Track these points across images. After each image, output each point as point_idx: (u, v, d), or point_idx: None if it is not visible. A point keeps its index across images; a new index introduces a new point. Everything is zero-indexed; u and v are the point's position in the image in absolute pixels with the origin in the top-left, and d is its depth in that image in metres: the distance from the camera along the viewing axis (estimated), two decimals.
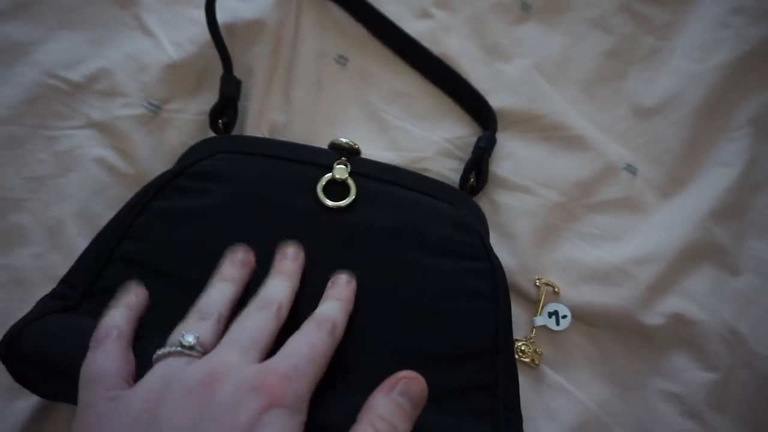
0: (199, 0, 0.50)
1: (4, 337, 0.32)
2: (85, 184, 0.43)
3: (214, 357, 0.28)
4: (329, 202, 0.39)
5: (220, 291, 0.33)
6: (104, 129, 0.45)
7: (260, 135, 0.47)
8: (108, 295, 0.34)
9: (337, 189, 0.40)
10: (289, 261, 0.36)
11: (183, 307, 0.33)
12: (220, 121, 0.46)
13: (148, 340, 0.32)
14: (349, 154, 0.42)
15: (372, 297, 0.36)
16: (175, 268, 0.36)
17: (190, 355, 0.29)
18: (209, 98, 0.47)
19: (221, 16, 0.49)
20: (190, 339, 0.29)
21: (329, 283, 0.36)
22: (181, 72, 0.47)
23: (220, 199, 0.38)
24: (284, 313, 0.32)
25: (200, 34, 0.48)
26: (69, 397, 0.31)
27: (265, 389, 0.26)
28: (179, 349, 0.29)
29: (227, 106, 0.46)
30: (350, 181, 0.40)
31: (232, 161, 0.40)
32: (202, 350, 0.29)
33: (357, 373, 0.34)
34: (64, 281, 0.36)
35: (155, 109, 0.46)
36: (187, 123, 0.46)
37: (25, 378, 0.33)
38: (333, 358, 0.31)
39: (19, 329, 0.32)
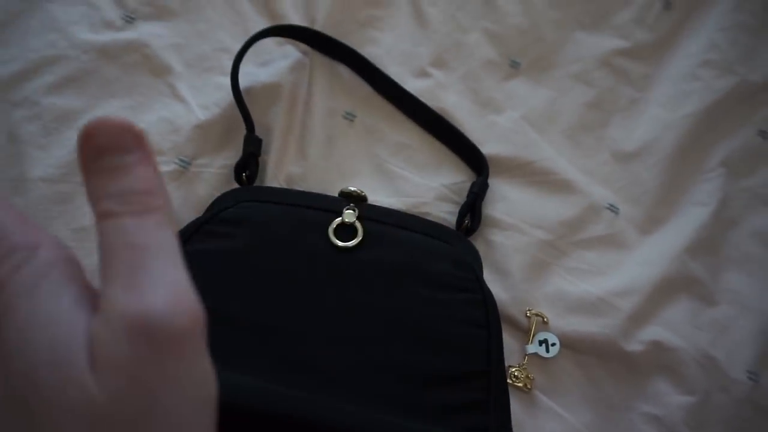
0: (225, 68, 0.57)
1: None
2: None
3: None
4: (339, 243, 0.45)
5: None
6: None
7: (278, 185, 0.53)
8: None
9: (346, 231, 0.46)
10: None
11: (214, 337, 0.38)
12: (243, 174, 0.52)
13: None
14: (357, 200, 0.48)
15: (378, 324, 0.42)
16: (205, 302, 0.41)
17: None
18: (232, 154, 0.54)
19: (243, 81, 0.55)
20: None
21: None
22: (207, 132, 0.54)
23: (244, 242, 0.44)
24: None
25: (225, 98, 0.55)
26: None
27: None
28: None
29: (250, 161, 0.52)
30: (358, 224, 0.46)
31: (254, 208, 0.46)
32: None
33: (366, 388, 0.39)
34: None
35: (185, 165, 0.52)
36: (213, 176, 0.53)
37: None
38: (345, 373, 0.36)
39: None
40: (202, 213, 0.48)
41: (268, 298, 0.42)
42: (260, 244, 0.44)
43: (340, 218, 0.46)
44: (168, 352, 0.17)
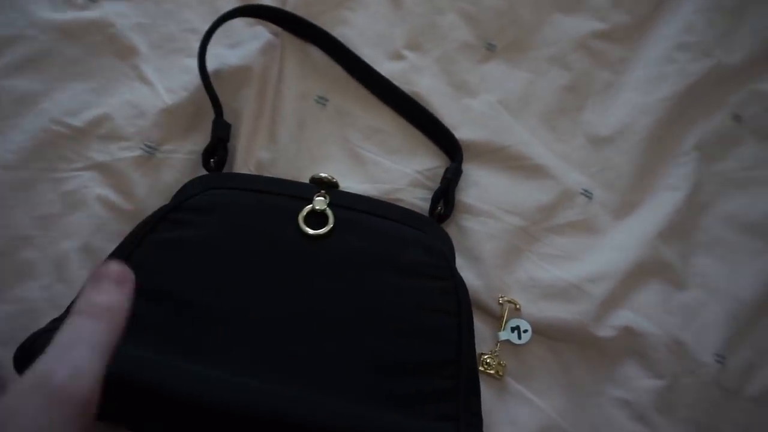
0: (192, 49, 0.56)
1: (20, 346, 0.36)
2: (88, 221, 0.48)
3: None
4: (310, 231, 0.44)
5: None
6: (105, 170, 0.50)
7: (248, 172, 0.52)
8: None
9: (317, 219, 0.45)
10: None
11: (175, 325, 0.38)
12: (211, 160, 0.50)
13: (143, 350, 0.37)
14: (328, 187, 0.47)
15: (347, 313, 0.42)
16: (169, 290, 0.41)
17: None
18: (200, 139, 0.52)
19: (211, 63, 0.54)
20: None
21: None
22: (174, 116, 0.52)
23: (212, 230, 0.43)
24: None
25: (192, 81, 0.53)
26: None
27: None
28: None
29: (218, 146, 0.51)
30: (329, 212, 0.45)
31: (222, 196, 0.45)
32: None
33: (335, 377, 0.39)
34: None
35: (152, 151, 0.51)
36: (180, 162, 0.51)
37: None
38: (315, 362, 0.35)
39: (32, 340, 0.37)
40: (169, 200, 0.47)
41: (235, 288, 0.42)
42: (227, 233, 0.43)
43: (311, 205, 0.45)
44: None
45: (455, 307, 0.43)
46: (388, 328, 0.41)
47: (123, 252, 0.42)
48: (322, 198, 0.46)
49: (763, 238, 0.55)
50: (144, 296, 0.40)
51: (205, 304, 0.40)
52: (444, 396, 0.40)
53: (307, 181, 0.47)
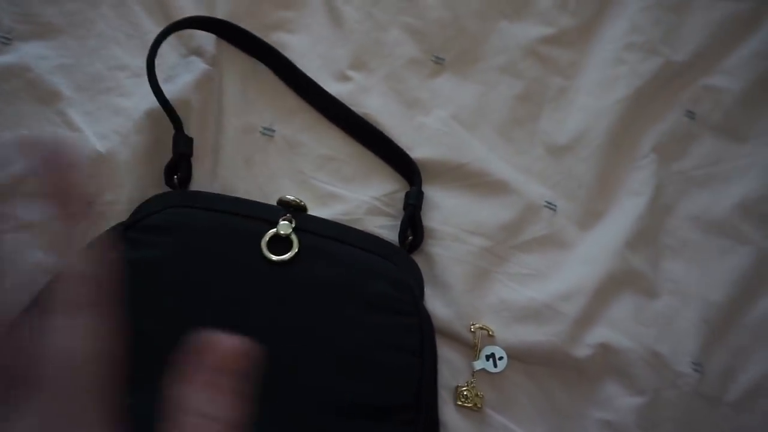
0: (123, 88, 0.52)
1: None
2: (21, 288, 0.44)
3: None
4: (272, 256, 0.42)
5: None
6: (37, 230, 0.45)
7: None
8: None
9: (281, 244, 0.42)
10: None
11: (129, 356, 0.35)
12: (175, 176, 0.47)
13: None
14: (296, 210, 0.44)
15: (307, 347, 0.39)
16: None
17: None
18: (141, 184, 0.48)
19: (145, 102, 0.50)
20: None
21: None
22: (109, 164, 0.48)
23: (168, 251, 0.41)
24: None
25: (124, 123, 0.50)
26: None
27: None
28: None
29: (180, 162, 0.48)
30: (293, 237, 0.43)
31: (182, 215, 0.43)
32: None
33: (282, 417, 0.37)
34: None
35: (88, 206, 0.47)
36: (122, 213, 0.47)
37: None
38: (261, 400, 0.33)
39: None
40: None
41: (187, 315, 0.39)
42: (185, 255, 0.41)
43: (275, 229, 0.43)
44: None
45: (418, 346, 0.41)
46: (345, 366, 0.39)
47: None
48: (287, 222, 0.43)
49: (728, 235, 0.54)
50: None
51: (152, 335, 0.38)
52: None
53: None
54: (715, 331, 0.50)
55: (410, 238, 0.50)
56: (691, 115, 0.59)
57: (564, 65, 0.60)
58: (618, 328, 0.49)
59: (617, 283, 0.50)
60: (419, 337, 0.41)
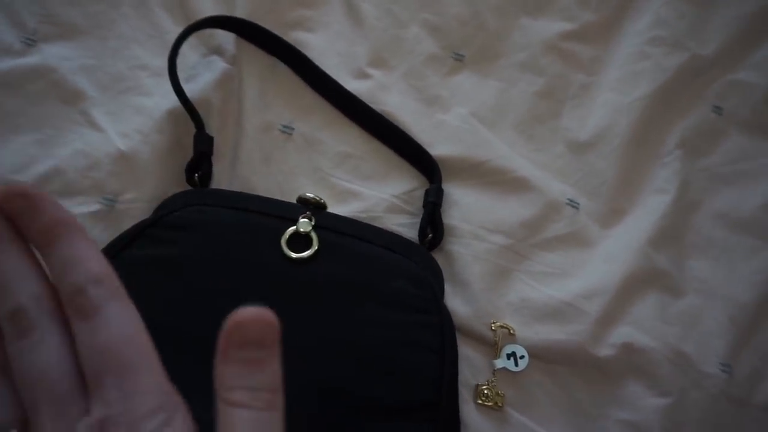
0: (144, 88, 0.52)
1: None
2: None
3: None
4: (292, 254, 0.42)
5: None
6: None
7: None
8: None
9: (301, 241, 0.42)
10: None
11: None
12: (196, 175, 0.48)
13: None
14: (315, 208, 0.44)
15: (326, 344, 0.39)
16: (142, 315, 0.38)
17: None
18: (163, 183, 0.49)
19: (166, 102, 0.51)
20: None
21: None
22: (131, 162, 0.49)
23: (189, 249, 0.41)
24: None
25: (146, 122, 0.50)
26: None
27: None
28: None
29: (201, 160, 0.48)
30: (313, 234, 0.43)
31: (203, 213, 0.43)
32: None
33: (301, 415, 0.36)
34: None
35: (111, 203, 0.47)
36: (143, 212, 0.48)
37: None
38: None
39: None
40: None
41: (208, 313, 0.38)
42: (205, 253, 0.41)
43: (295, 227, 0.43)
44: None
45: (439, 343, 0.40)
46: (365, 364, 0.39)
47: None
48: (307, 220, 0.43)
49: (757, 234, 0.53)
50: None
51: (173, 332, 0.38)
52: None
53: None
54: (743, 332, 0.48)
55: (430, 236, 0.49)
56: (718, 110, 0.58)
57: (586, 61, 0.59)
58: (642, 328, 0.48)
59: (641, 281, 0.49)
60: (440, 335, 0.41)
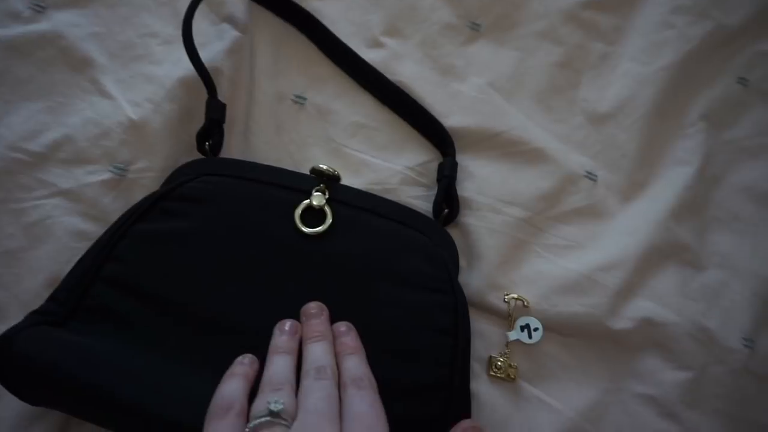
0: (154, 56, 0.51)
1: None
2: (57, 253, 0.44)
3: (308, 428, 0.29)
4: (305, 229, 0.41)
5: (283, 362, 0.34)
6: (72, 197, 0.46)
7: None
8: (94, 315, 0.36)
9: (314, 215, 0.42)
10: (318, 321, 0.37)
11: (163, 328, 0.36)
12: (207, 143, 0.47)
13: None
14: (329, 180, 0.43)
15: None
16: (155, 290, 0.38)
17: (281, 424, 0.30)
18: (174, 153, 0.48)
19: (176, 70, 0.50)
20: (279, 405, 0.30)
21: (335, 332, 0.37)
22: (142, 131, 0.48)
23: (201, 222, 0.40)
24: (336, 373, 0.34)
25: (157, 91, 0.49)
26: (49, 403, 0.35)
27: None
28: (268, 418, 0.30)
29: (213, 128, 0.47)
30: (327, 209, 0.42)
31: (216, 184, 0.42)
32: (288, 417, 0.30)
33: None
34: (52, 298, 0.37)
35: (121, 172, 0.47)
36: (154, 181, 0.47)
37: (10, 382, 0.34)
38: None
39: (9, 336, 0.34)
40: None
41: (221, 289, 0.38)
42: (218, 226, 0.40)
43: (308, 200, 0.42)
44: None
45: (452, 325, 0.40)
46: (377, 344, 0.38)
47: (107, 242, 0.39)
48: (321, 193, 0.43)
49: None
50: (126, 293, 0.37)
51: (188, 305, 0.38)
52: (431, 423, 0.36)
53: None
54: (767, 307, 0.47)
55: (446, 211, 0.48)
56: (743, 81, 0.56)
57: (607, 30, 0.57)
58: (661, 301, 0.46)
59: (661, 254, 0.48)
60: (453, 317, 0.40)
